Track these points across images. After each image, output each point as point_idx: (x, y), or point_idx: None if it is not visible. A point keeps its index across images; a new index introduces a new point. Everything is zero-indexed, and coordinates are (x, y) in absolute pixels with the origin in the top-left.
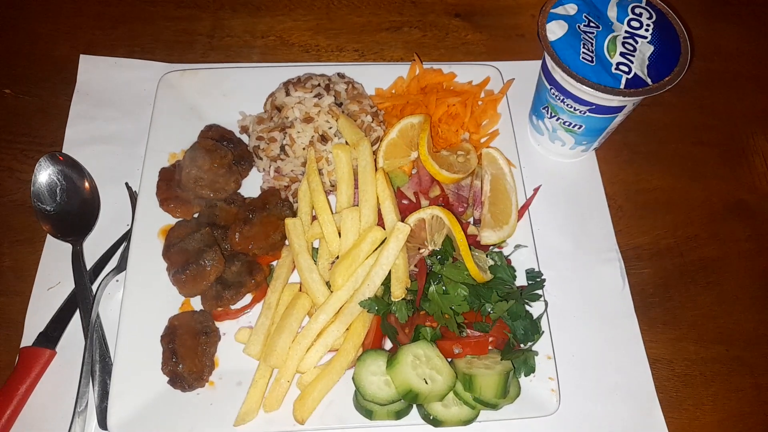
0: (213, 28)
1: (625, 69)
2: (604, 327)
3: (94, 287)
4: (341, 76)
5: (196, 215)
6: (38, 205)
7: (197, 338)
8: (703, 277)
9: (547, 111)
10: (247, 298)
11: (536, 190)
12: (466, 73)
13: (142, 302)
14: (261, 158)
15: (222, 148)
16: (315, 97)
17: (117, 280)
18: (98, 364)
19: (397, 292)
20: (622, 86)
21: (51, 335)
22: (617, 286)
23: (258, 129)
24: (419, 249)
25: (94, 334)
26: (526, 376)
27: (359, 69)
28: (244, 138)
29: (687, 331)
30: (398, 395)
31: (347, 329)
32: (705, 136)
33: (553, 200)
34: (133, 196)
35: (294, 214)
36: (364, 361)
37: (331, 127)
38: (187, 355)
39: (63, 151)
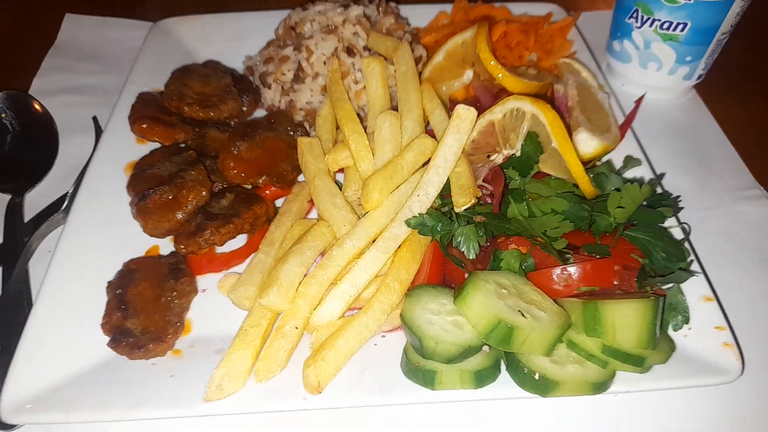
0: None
1: None
2: None
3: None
4: None
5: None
6: None
7: (161, 285)
8: None
9: (637, 18)
10: (240, 242)
11: (639, 101)
12: (522, 9)
13: (87, 243)
14: (269, 86)
15: (220, 71)
16: (340, 7)
17: None
18: (12, 339)
19: (462, 200)
20: None
21: None
22: None
23: (266, 51)
24: (489, 156)
25: (13, 290)
26: (676, 329)
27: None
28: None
29: None
30: (480, 336)
31: (389, 260)
32: None
33: (659, 139)
34: (100, 131)
35: None
36: (417, 297)
37: (359, 39)
38: (143, 307)
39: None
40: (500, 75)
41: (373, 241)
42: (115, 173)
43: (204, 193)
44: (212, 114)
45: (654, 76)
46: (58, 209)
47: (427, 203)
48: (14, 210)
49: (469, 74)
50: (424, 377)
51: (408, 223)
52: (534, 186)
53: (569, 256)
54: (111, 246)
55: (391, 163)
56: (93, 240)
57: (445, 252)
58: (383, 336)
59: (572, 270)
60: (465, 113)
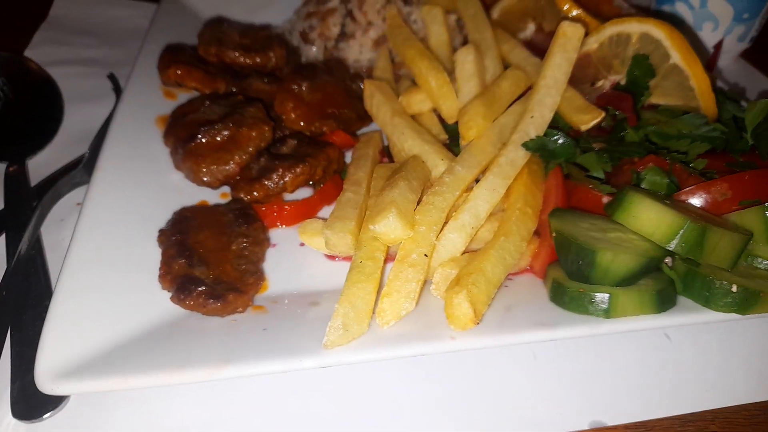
0: None
1: None
2: None
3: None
4: None
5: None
6: None
7: (227, 233)
8: None
9: None
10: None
11: (719, 44)
12: None
13: (121, 195)
14: (312, 43)
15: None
16: None
17: (78, 204)
18: (26, 313)
19: (587, 116)
20: None
21: None
22: None
23: (305, 9)
24: (592, 84)
25: (24, 259)
26: None
27: None
28: None
29: None
30: (664, 243)
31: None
32: None
33: None
34: (119, 87)
35: None
36: (562, 217)
37: None
38: (210, 257)
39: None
40: (577, 13)
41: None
42: (146, 126)
43: (267, 132)
44: (259, 60)
45: (709, 38)
46: (70, 172)
47: (543, 125)
48: (14, 176)
49: (531, 27)
50: (595, 305)
51: (526, 146)
52: (647, 115)
53: (710, 174)
54: (150, 198)
55: (487, 91)
56: (127, 192)
57: (577, 177)
58: (510, 279)
59: (730, 182)
60: (571, 30)
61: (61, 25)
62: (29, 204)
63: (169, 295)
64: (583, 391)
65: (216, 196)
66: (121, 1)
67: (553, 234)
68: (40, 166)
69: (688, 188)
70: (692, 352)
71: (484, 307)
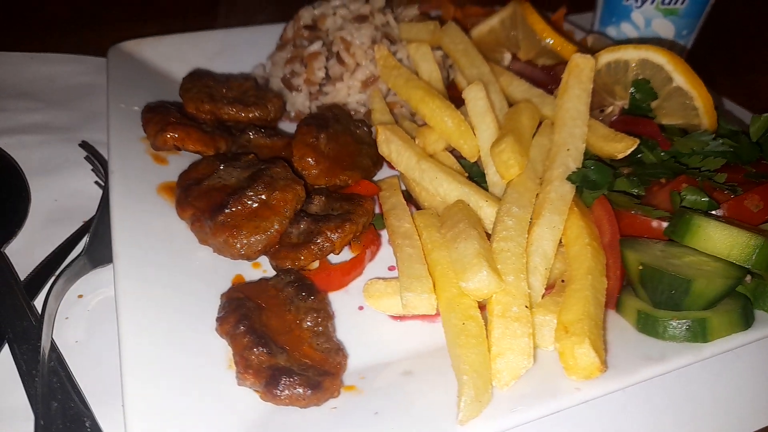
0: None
1: None
2: None
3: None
4: None
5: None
6: None
7: (290, 310)
8: None
9: None
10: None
11: (686, 51)
12: None
13: (152, 285)
14: (298, 89)
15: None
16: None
17: (80, 296)
18: None
19: (620, 145)
20: None
21: None
22: None
23: (281, 54)
24: (601, 111)
25: (45, 383)
26: None
27: None
28: None
29: None
30: (744, 263)
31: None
32: None
33: None
34: (98, 156)
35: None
36: (633, 248)
37: (393, 28)
38: (286, 341)
39: None
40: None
41: None
42: (149, 199)
43: (301, 192)
44: (258, 114)
45: None
46: (62, 259)
47: (579, 157)
48: None
49: (507, 57)
50: (692, 331)
51: (570, 179)
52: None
53: (734, 187)
54: (184, 283)
55: (512, 127)
56: (158, 280)
57: (623, 204)
58: None
59: (761, 194)
60: (583, 62)
61: None
62: (25, 300)
63: (253, 392)
64: (657, 423)
65: (249, 269)
66: (55, 57)
67: (640, 267)
68: (16, 253)
69: (725, 203)
70: (742, 369)
71: (603, 352)
